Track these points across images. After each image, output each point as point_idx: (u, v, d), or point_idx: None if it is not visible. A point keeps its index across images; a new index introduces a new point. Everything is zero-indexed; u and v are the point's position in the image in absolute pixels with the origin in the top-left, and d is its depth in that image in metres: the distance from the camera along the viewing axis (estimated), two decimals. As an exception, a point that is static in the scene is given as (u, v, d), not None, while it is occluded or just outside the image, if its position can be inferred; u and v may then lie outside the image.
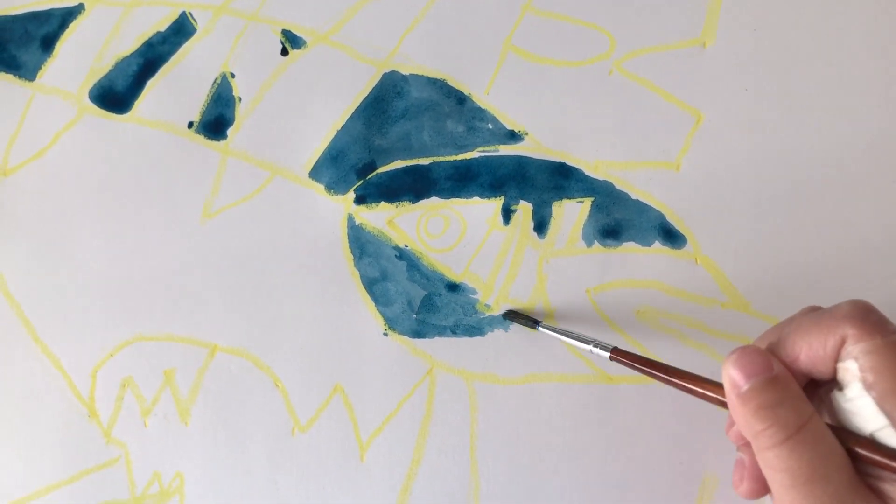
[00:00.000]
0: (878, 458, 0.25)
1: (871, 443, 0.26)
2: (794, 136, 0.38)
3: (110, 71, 0.41)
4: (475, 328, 0.39)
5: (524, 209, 0.39)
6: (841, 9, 0.38)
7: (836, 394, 0.27)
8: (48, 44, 0.41)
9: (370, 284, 0.39)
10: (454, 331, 0.39)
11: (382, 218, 0.40)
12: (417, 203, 0.40)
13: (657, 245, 0.38)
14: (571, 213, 0.39)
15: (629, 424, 0.38)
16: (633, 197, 0.39)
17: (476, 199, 0.39)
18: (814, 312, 0.29)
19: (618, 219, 0.38)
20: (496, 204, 0.39)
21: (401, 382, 0.39)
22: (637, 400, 0.38)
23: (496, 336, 0.39)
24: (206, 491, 0.39)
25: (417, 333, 0.39)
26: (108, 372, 0.40)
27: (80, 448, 0.40)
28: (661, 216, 0.38)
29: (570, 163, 0.39)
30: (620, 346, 0.33)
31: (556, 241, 0.39)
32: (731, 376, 0.27)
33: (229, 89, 0.41)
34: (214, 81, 0.41)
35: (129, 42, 0.41)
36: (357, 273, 0.40)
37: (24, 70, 0.41)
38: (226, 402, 0.39)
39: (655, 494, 0.37)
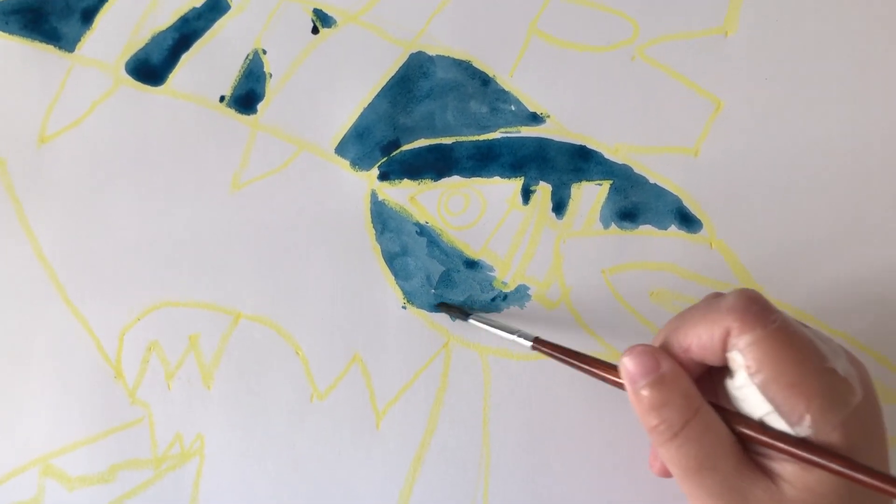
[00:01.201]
0: (765, 439, 0.27)
1: (760, 426, 0.27)
2: (812, 125, 0.38)
3: (146, 44, 0.42)
4: (491, 304, 0.40)
5: (543, 190, 0.40)
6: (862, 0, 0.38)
7: (728, 381, 0.29)
8: (88, 17, 0.43)
9: (391, 259, 0.40)
10: (470, 307, 0.40)
11: (405, 194, 0.41)
12: (439, 181, 0.40)
13: (673, 229, 0.39)
14: (590, 195, 0.40)
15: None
16: (651, 181, 0.39)
17: (497, 178, 0.40)
18: (708, 302, 0.30)
19: (635, 202, 0.39)
20: (516, 184, 0.40)
21: (417, 354, 0.40)
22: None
23: (511, 313, 0.40)
24: (226, 453, 0.40)
25: (435, 308, 0.40)
26: (135, 335, 0.41)
27: (105, 407, 0.41)
28: (678, 200, 0.39)
29: (590, 146, 0.40)
30: (566, 343, 0.34)
31: (573, 222, 0.40)
32: (626, 374, 0.29)
33: (260, 65, 0.42)
34: (246, 57, 0.42)
35: (166, 17, 0.42)
36: (378, 247, 0.41)
37: (64, 41, 0.43)
38: (248, 368, 0.41)
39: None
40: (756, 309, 0.27)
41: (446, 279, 0.40)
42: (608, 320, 0.39)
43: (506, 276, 0.40)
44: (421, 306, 0.40)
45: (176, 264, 0.41)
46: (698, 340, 0.28)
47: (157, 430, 0.41)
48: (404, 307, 0.40)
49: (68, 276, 0.42)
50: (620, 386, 0.31)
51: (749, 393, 0.27)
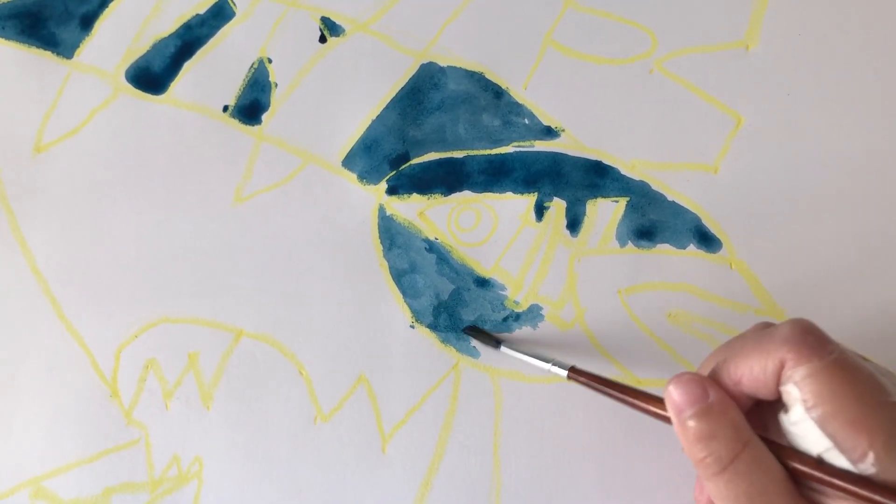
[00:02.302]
0: (825, 477, 0.25)
1: (817, 463, 0.26)
2: (835, 142, 0.37)
3: (148, 52, 0.41)
4: (502, 325, 0.38)
5: (557, 206, 0.39)
6: (886, 15, 0.37)
7: (782, 416, 0.27)
8: (87, 22, 0.41)
9: (399, 276, 0.39)
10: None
11: (414, 209, 0.39)
12: (450, 196, 0.39)
13: (692, 248, 0.38)
14: (606, 213, 0.38)
15: (655, 427, 0.37)
16: (670, 198, 0.38)
17: (509, 194, 0.39)
18: (757, 333, 0.28)
19: (653, 220, 0.38)
20: (529, 200, 0.39)
21: (426, 375, 0.38)
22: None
23: (523, 333, 0.38)
24: (225, 476, 0.39)
25: (461, 332, 0.39)
26: (131, 352, 0.40)
27: (100, 428, 0.40)
28: (697, 219, 0.38)
29: (606, 161, 0.39)
30: (578, 366, 0.34)
31: (588, 240, 0.38)
32: (671, 403, 0.28)
33: (266, 74, 0.40)
34: (251, 66, 0.40)
35: (168, 23, 0.41)
36: (386, 264, 0.39)
37: (63, 47, 0.42)
38: (249, 388, 0.39)
39: (680, 499, 0.37)
40: (812, 340, 0.26)
41: (456, 298, 0.39)
42: (624, 342, 0.38)
43: (518, 295, 0.39)
44: (441, 328, 0.39)
45: (175, 279, 0.40)
46: (750, 372, 0.27)
47: (153, 452, 0.39)
48: (412, 326, 0.39)
49: (63, 291, 0.40)
50: (664, 419, 0.29)
51: (806, 428, 0.26)
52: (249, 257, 0.40)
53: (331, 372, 0.39)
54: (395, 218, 0.39)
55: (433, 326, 0.39)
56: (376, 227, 0.39)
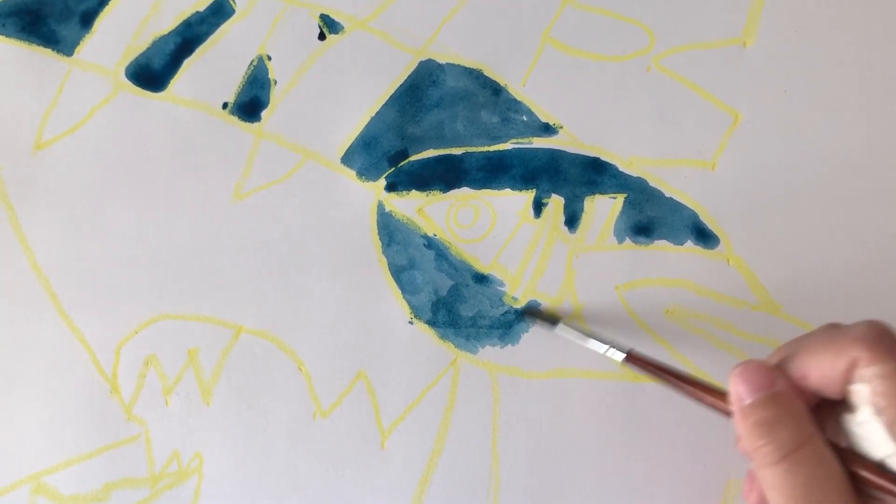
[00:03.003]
0: (884, 483, 0.25)
1: (879, 468, 0.25)
2: (832, 139, 0.38)
3: (147, 49, 0.41)
4: (501, 320, 0.39)
5: (556, 203, 0.39)
6: (884, 12, 0.38)
7: (847, 416, 0.27)
8: (87, 20, 0.42)
9: (397, 272, 0.39)
10: (478, 323, 0.39)
11: (412, 206, 0.40)
12: (448, 192, 0.39)
13: (689, 244, 0.38)
14: (603, 209, 0.38)
15: (653, 423, 0.37)
16: (667, 195, 0.38)
17: (507, 190, 0.39)
18: (829, 330, 0.28)
19: (650, 216, 0.38)
20: (527, 196, 0.39)
21: (424, 371, 0.39)
22: (662, 399, 0.37)
23: (522, 329, 0.39)
24: (225, 472, 0.39)
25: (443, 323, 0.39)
26: (131, 349, 0.40)
27: (100, 424, 0.40)
28: (695, 215, 0.38)
29: (604, 158, 0.39)
30: (638, 350, 0.33)
31: (586, 237, 0.39)
32: (735, 389, 0.27)
33: (265, 72, 0.41)
34: (251, 63, 0.41)
35: (168, 21, 0.41)
36: (385, 260, 0.39)
37: (63, 45, 0.42)
38: (248, 384, 0.39)
39: (678, 496, 0.37)
40: (888, 341, 0.25)
41: (455, 294, 0.39)
42: (622, 338, 0.38)
43: (516, 291, 0.39)
44: (439, 324, 0.39)
45: (175, 276, 0.40)
46: (819, 368, 0.26)
47: (153, 448, 0.40)
48: (411, 322, 0.39)
49: (63, 287, 0.41)
50: (722, 410, 0.29)
51: (872, 430, 0.25)
52: (249, 254, 0.40)
53: (330, 368, 0.39)
54: (393, 214, 0.40)
55: (432, 322, 0.39)
56: (375, 223, 0.40)
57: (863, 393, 0.25)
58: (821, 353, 0.27)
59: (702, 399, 0.30)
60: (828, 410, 0.28)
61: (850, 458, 0.26)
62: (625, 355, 0.33)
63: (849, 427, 0.27)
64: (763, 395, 0.27)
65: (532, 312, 0.38)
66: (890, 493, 0.25)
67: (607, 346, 0.34)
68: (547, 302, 0.38)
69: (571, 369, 0.38)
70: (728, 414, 0.29)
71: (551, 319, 0.37)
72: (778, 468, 0.26)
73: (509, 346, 0.38)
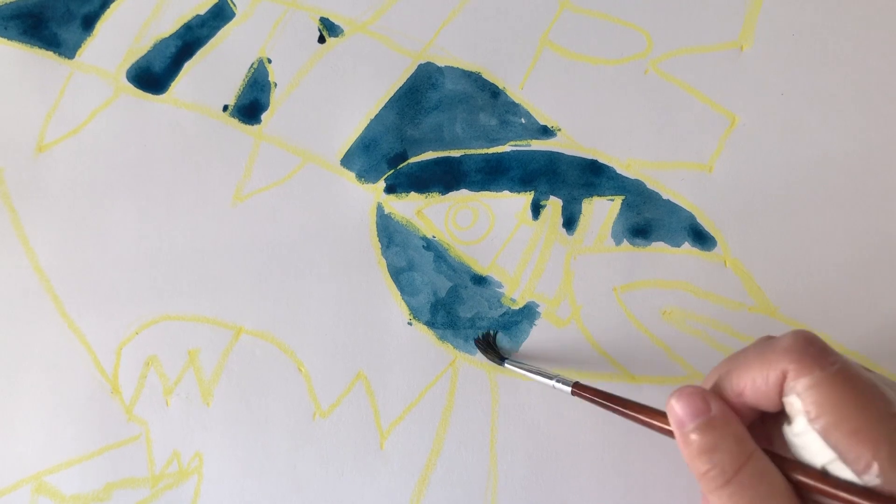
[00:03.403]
0: (828, 489, 0.25)
1: (821, 475, 0.26)
2: (829, 141, 0.38)
3: (148, 52, 0.42)
4: (499, 321, 0.39)
5: (554, 205, 0.39)
6: (880, 15, 0.38)
7: (786, 427, 0.27)
8: (89, 23, 0.42)
9: (397, 273, 0.40)
10: (477, 324, 0.39)
11: (411, 208, 0.40)
12: (447, 194, 0.40)
13: (686, 246, 0.38)
14: (601, 211, 0.39)
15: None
16: (664, 197, 0.38)
17: (506, 192, 0.39)
18: (760, 344, 0.28)
19: (648, 218, 0.38)
20: (526, 198, 0.39)
21: (423, 372, 0.39)
22: (659, 400, 0.37)
23: (529, 344, 0.39)
24: (225, 472, 0.39)
25: (441, 325, 0.39)
26: (132, 349, 0.40)
27: (101, 424, 0.40)
28: (692, 217, 0.38)
29: (601, 160, 0.39)
30: (582, 381, 0.34)
31: (584, 238, 0.39)
32: (674, 417, 0.28)
33: (265, 74, 0.41)
34: (251, 66, 0.41)
35: (169, 24, 0.41)
36: (384, 262, 0.40)
37: (64, 48, 0.42)
38: (248, 385, 0.40)
39: (676, 497, 0.37)
40: (814, 350, 0.26)
41: (453, 295, 0.39)
42: (620, 339, 0.38)
43: (514, 292, 0.39)
44: (438, 325, 0.39)
45: (176, 277, 0.40)
46: (752, 384, 0.27)
47: (154, 448, 0.40)
48: (410, 323, 0.39)
49: (65, 289, 0.41)
50: (669, 433, 0.29)
51: (809, 440, 0.26)
52: (249, 255, 0.40)
53: (329, 369, 0.39)
54: (393, 216, 0.40)
55: (431, 323, 0.39)
56: (374, 225, 0.40)
57: (796, 404, 0.26)
58: (752, 369, 0.27)
59: (650, 426, 0.30)
60: (771, 422, 0.28)
61: (794, 468, 0.26)
62: (570, 388, 0.34)
63: (789, 437, 0.27)
64: (700, 421, 0.27)
65: (483, 345, 0.38)
66: (834, 497, 0.25)
67: (554, 381, 0.35)
68: (544, 304, 0.39)
69: (569, 370, 0.38)
70: (671, 436, 0.29)
71: (499, 357, 0.37)
72: (724, 492, 0.26)
73: (508, 346, 0.39)
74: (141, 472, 0.40)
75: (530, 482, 0.38)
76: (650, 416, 0.30)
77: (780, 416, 0.28)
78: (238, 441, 0.39)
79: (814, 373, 0.25)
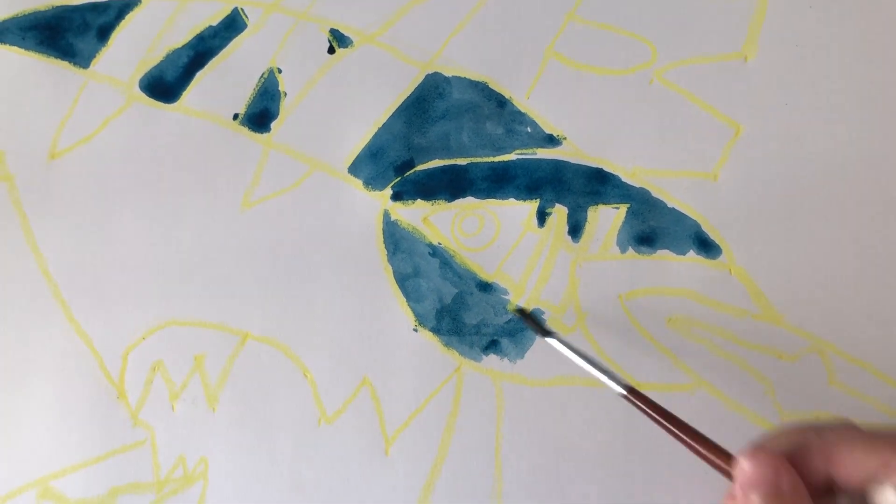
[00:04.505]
0: None
1: None
2: (832, 150, 0.38)
3: (161, 61, 0.42)
4: (505, 328, 0.39)
5: (559, 212, 0.39)
6: (883, 25, 0.38)
7: None
8: (104, 33, 0.43)
9: (402, 280, 0.40)
10: (482, 331, 0.39)
11: (418, 215, 0.40)
12: (453, 202, 0.40)
13: (692, 254, 0.38)
14: (607, 219, 0.39)
15: (656, 432, 0.37)
16: (670, 205, 0.39)
17: (512, 200, 0.40)
18: (860, 429, 0.29)
19: (653, 226, 0.39)
20: (531, 206, 0.39)
21: (429, 379, 0.39)
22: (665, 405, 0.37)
23: (526, 338, 0.39)
24: (230, 477, 0.39)
25: (447, 331, 0.39)
26: (139, 354, 0.41)
27: (107, 429, 0.40)
28: (697, 225, 0.38)
29: (607, 169, 0.39)
30: (635, 386, 0.33)
31: (589, 246, 0.39)
32: (742, 475, 0.28)
33: (275, 84, 0.41)
34: (261, 76, 0.42)
35: (182, 35, 0.42)
36: (390, 268, 0.40)
37: (80, 58, 0.43)
38: (254, 390, 0.40)
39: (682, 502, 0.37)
40: None
41: (459, 301, 0.39)
42: (624, 347, 0.38)
43: (520, 299, 0.39)
44: (443, 332, 0.39)
45: (183, 283, 0.41)
46: (851, 462, 0.27)
47: (159, 453, 0.40)
48: (415, 330, 0.39)
49: (73, 294, 0.41)
50: (721, 470, 0.29)
51: None
52: (256, 261, 0.40)
53: (335, 374, 0.39)
54: (399, 223, 0.40)
55: (436, 330, 0.39)
56: (381, 231, 0.40)
57: (888, 496, 0.26)
58: (855, 447, 0.27)
59: (700, 454, 0.30)
60: (830, 499, 0.28)
61: None
62: (624, 391, 0.32)
63: None
64: (769, 489, 0.27)
65: (525, 316, 0.38)
66: None
67: (606, 377, 0.33)
68: (550, 311, 0.39)
69: (575, 377, 0.38)
70: (725, 474, 0.29)
71: (544, 330, 0.37)
72: None
73: (514, 353, 0.39)
74: (146, 477, 0.40)
75: (536, 489, 0.37)
76: (705, 446, 0.30)
77: (842, 497, 0.28)
78: (243, 446, 0.39)
79: None
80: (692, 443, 0.30)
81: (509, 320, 0.39)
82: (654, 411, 0.32)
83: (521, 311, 0.38)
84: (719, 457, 0.29)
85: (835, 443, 0.28)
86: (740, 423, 0.37)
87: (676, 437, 0.31)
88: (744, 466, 0.28)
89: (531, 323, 0.38)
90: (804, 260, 0.38)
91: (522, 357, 0.39)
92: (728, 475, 0.29)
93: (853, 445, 0.27)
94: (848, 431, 0.28)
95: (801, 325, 0.37)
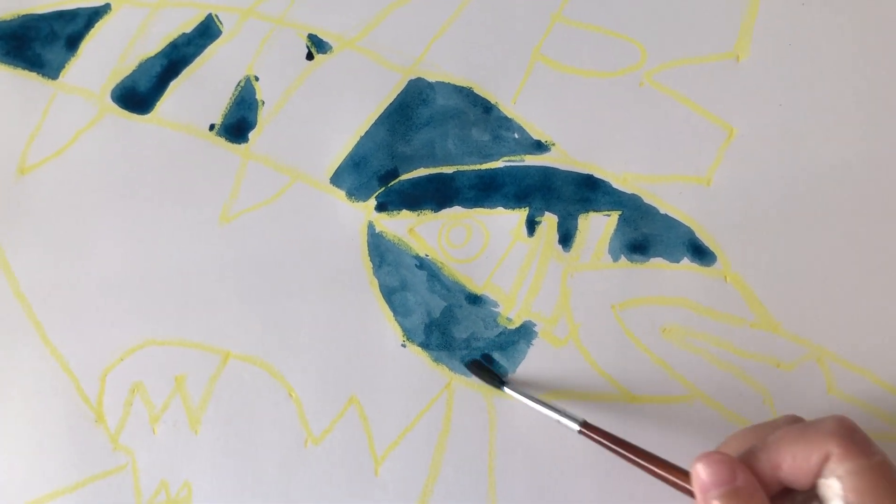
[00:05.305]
0: None
1: None
2: (829, 152, 0.37)
3: (133, 71, 0.41)
4: (496, 341, 0.38)
5: (549, 221, 0.38)
6: (877, 25, 0.37)
7: None
8: (73, 43, 0.41)
9: (389, 294, 0.39)
10: (504, 373, 0.38)
11: (403, 226, 0.39)
12: (440, 212, 0.39)
13: (686, 261, 0.37)
14: (598, 227, 0.38)
15: (652, 444, 0.36)
16: (662, 211, 0.38)
17: (500, 209, 0.38)
18: (798, 423, 0.29)
19: (646, 233, 0.38)
20: (520, 215, 0.38)
21: (418, 395, 0.38)
22: (660, 420, 0.37)
23: (525, 369, 0.38)
24: (215, 502, 0.38)
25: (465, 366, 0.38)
26: (117, 376, 0.39)
27: (85, 454, 0.39)
28: (691, 232, 0.37)
29: (597, 175, 0.38)
30: (590, 420, 0.34)
31: (581, 255, 0.38)
32: (699, 481, 0.28)
33: (253, 92, 0.40)
34: (238, 84, 0.40)
35: (154, 43, 0.41)
36: (376, 282, 0.39)
37: (48, 68, 0.41)
38: (237, 411, 0.38)
39: (680, 520, 0.36)
40: (859, 438, 0.27)
41: (448, 315, 0.38)
42: (618, 358, 0.37)
43: (511, 311, 0.38)
44: (433, 347, 0.38)
45: (161, 301, 0.39)
46: (793, 460, 0.27)
47: (141, 478, 0.39)
48: (403, 345, 0.38)
49: (47, 314, 0.40)
50: (683, 490, 0.29)
51: None
52: (237, 277, 0.39)
53: (321, 393, 0.38)
54: (384, 235, 0.39)
55: (425, 345, 0.38)
56: (366, 244, 0.39)
57: (834, 487, 0.26)
58: (795, 445, 0.27)
59: (662, 478, 0.31)
60: (788, 499, 0.28)
61: None
62: (578, 427, 0.33)
63: None
64: (725, 489, 0.27)
65: (478, 369, 0.37)
66: None
67: (558, 416, 0.34)
68: (541, 323, 0.38)
69: (568, 391, 0.37)
70: (688, 493, 0.29)
71: (498, 380, 0.36)
72: None
73: (506, 368, 0.38)
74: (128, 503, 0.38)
75: (530, 508, 0.36)
76: (665, 469, 0.31)
77: (798, 494, 0.28)
78: (228, 470, 0.38)
79: (858, 460, 0.26)
80: (657, 470, 0.31)
81: (500, 333, 0.38)
82: (612, 443, 0.33)
83: (476, 364, 0.37)
84: (678, 476, 0.30)
85: (776, 445, 0.28)
86: (739, 434, 0.36)
87: (640, 466, 0.32)
88: (699, 471, 0.28)
89: (486, 376, 0.37)
90: (801, 265, 0.37)
91: (514, 371, 0.37)
92: (690, 493, 0.29)
93: (793, 445, 0.28)
94: (787, 431, 0.28)
95: (799, 332, 0.36)
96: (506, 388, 0.36)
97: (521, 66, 0.39)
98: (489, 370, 0.37)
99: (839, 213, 0.37)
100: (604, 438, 0.33)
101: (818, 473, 0.27)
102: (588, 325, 0.37)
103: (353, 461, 0.38)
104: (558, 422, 0.34)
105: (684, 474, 0.30)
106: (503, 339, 0.38)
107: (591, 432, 0.33)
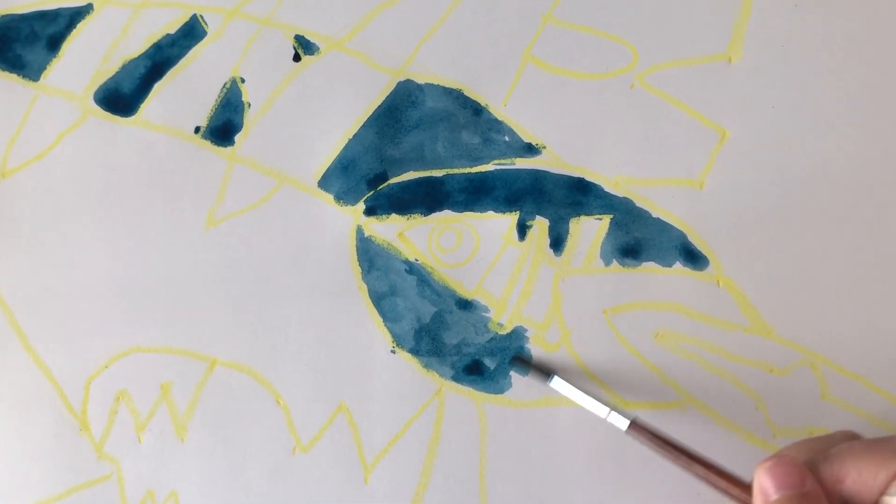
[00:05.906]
0: None
1: None
2: (821, 154, 0.37)
3: (117, 73, 0.40)
4: (486, 347, 0.37)
5: (540, 225, 0.38)
6: (870, 26, 0.37)
7: None
8: (54, 44, 0.40)
9: (378, 299, 0.38)
10: (463, 351, 0.37)
11: (392, 230, 0.38)
12: (429, 216, 0.38)
13: (678, 266, 0.37)
14: (589, 231, 0.37)
15: (645, 452, 0.36)
16: (654, 215, 0.37)
17: (490, 213, 0.38)
18: (863, 439, 0.29)
19: (638, 237, 0.37)
20: (511, 219, 0.38)
21: (408, 402, 0.37)
22: (653, 426, 0.36)
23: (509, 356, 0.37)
24: (201, 512, 0.37)
25: (426, 352, 0.37)
26: (102, 384, 0.39)
27: (69, 463, 0.38)
28: (683, 236, 0.37)
29: (588, 178, 0.38)
30: (640, 417, 0.33)
31: (572, 259, 0.37)
32: (762, 484, 0.28)
33: (238, 94, 0.39)
34: (224, 86, 0.39)
35: (138, 44, 0.40)
36: (365, 287, 0.38)
37: (29, 70, 0.40)
38: (224, 419, 0.38)
39: (673, 527, 0.36)
40: None
41: (438, 321, 0.38)
42: (611, 364, 0.37)
43: (502, 317, 0.37)
44: (423, 353, 0.37)
45: (146, 307, 0.39)
46: (858, 475, 0.27)
47: (126, 487, 0.38)
48: (393, 351, 0.38)
49: (29, 321, 0.39)
50: (737, 499, 0.29)
51: None
52: (223, 283, 0.38)
53: (309, 400, 0.38)
54: (373, 239, 0.38)
55: (415, 351, 0.37)
56: (354, 249, 0.38)
57: None
58: (861, 461, 0.27)
59: (713, 483, 0.30)
60: None
61: None
62: (627, 424, 0.33)
63: None
64: (793, 492, 0.27)
65: (521, 364, 0.36)
66: None
67: (609, 411, 0.33)
68: (533, 328, 0.37)
69: (560, 397, 0.37)
70: (741, 502, 0.29)
71: (544, 374, 0.36)
72: None
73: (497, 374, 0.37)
74: (112, 514, 0.38)
75: (522, 516, 0.36)
76: (717, 474, 0.30)
77: None
78: (215, 478, 0.38)
79: None
80: (710, 476, 0.30)
81: (491, 339, 0.37)
82: (662, 444, 0.32)
83: (520, 360, 0.37)
84: (729, 481, 0.30)
85: (840, 459, 0.28)
86: (732, 440, 0.36)
87: (692, 470, 0.31)
88: (767, 473, 0.28)
89: (535, 371, 0.36)
90: (795, 269, 0.36)
91: (506, 377, 0.37)
92: (741, 501, 0.29)
93: (859, 460, 0.27)
94: (852, 446, 0.28)
95: (793, 337, 0.36)
96: (553, 380, 0.35)
97: (511, 67, 0.38)
98: (535, 364, 0.36)
99: (834, 217, 0.36)
100: (652, 439, 0.32)
101: (884, 490, 0.26)
102: (580, 330, 0.37)
103: (342, 469, 0.37)
104: (605, 419, 0.33)
105: (734, 478, 0.30)
106: (494, 344, 0.37)
107: (642, 432, 0.32)
